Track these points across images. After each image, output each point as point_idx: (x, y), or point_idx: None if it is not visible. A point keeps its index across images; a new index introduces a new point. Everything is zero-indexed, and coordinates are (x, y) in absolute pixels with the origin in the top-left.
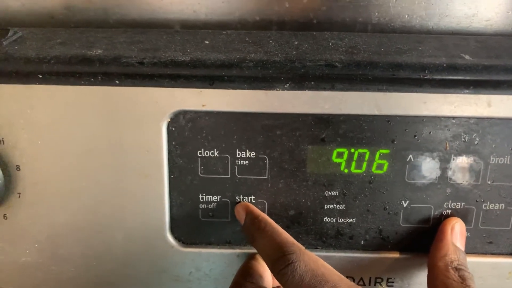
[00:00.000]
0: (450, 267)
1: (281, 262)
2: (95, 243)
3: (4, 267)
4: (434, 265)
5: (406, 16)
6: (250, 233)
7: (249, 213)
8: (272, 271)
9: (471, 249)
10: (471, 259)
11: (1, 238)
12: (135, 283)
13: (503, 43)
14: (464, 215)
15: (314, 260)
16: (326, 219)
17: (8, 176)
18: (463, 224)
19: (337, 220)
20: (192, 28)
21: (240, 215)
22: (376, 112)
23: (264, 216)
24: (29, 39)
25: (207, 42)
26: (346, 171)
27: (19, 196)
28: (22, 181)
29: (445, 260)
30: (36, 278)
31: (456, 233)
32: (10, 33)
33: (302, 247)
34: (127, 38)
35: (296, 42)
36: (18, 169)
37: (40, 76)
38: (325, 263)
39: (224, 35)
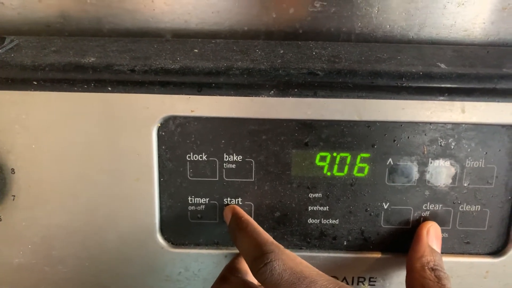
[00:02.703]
0: (426, 267)
1: (259, 261)
2: (88, 244)
3: None
4: (412, 266)
5: (388, 26)
6: (233, 232)
7: (234, 214)
8: (252, 270)
9: (449, 249)
10: (449, 259)
11: None
12: (127, 283)
13: (478, 53)
14: (442, 217)
15: (292, 258)
16: (310, 221)
17: (3, 179)
18: (438, 227)
19: (320, 221)
20: (183, 37)
21: (227, 216)
22: (356, 118)
23: (247, 217)
24: (24, 47)
25: (196, 50)
26: (328, 174)
27: (14, 199)
28: (16, 184)
29: (421, 261)
30: (30, 279)
31: (431, 235)
32: (6, 41)
33: (281, 246)
34: (119, 46)
35: (282, 51)
36: (13, 172)
37: (35, 83)
38: (304, 261)
39: (213, 44)
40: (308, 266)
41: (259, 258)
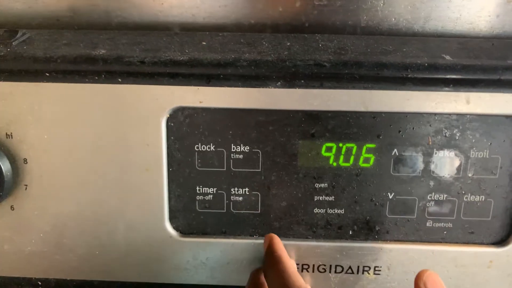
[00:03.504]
0: None
1: None
2: (98, 233)
3: (10, 256)
4: None
5: (393, 19)
6: (264, 265)
7: (270, 246)
8: None
9: (453, 239)
10: (454, 249)
11: (8, 228)
12: (136, 272)
13: (483, 45)
14: (446, 207)
15: None
16: (316, 210)
17: (15, 169)
18: (434, 274)
19: (326, 211)
20: (191, 31)
21: (265, 245)
22: (362, 109)
23: (280, 253)
24: (36, 39)
25: (204, 43)
26: (334, 164)
27: (26, 188)
28: (29, 173)
29: None
30: (41, 266)
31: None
32: (19, 34)
33: None
34: (129, 39)
35: (288, 44)
36: (25, 162)
37: (47, 75)
38: None
39: (220, 37)
40: None
41: None
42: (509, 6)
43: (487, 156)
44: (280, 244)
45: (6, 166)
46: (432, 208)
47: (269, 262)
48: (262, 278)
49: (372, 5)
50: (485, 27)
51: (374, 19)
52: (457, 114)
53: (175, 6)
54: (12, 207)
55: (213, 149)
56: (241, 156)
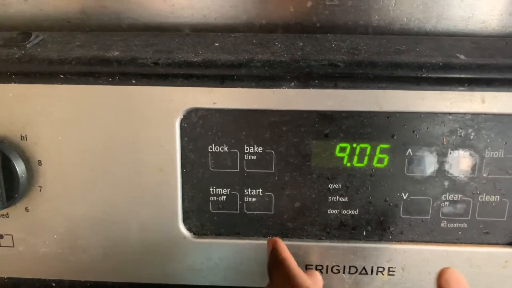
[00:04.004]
0: None
1: None
2: (112, 234)
3: (24, 257)
4: None
5: (405, 19)
6: (269, 269)
7: (274, 249)
8: None
9: (468, 240)
10: (468, 249)
11: (22, 229)
12: (150, 273)
13: (496, 44)
14: (461, 207)
15: None
16: (330, 211)
17: (30, 170)
18: (454, 271)
19: (340, 212)
20: (201, 32)
21: (268, 249)
22: (376, 109)
23: (286, 255)
24: (50, 42)
25: (217, 44)
26: (348, 165)
27: (40, 190)
28: (43, 175)
29: None
30: (54, 267)
31: (451, 285)
32: (32, 37)
33: None
34: (141, 41)
35: (301, 44)
36: (39, 164)
37: (62, 76)
38: None
39: (232, 38)
40: None
41: None
42: None
43: (502, 156)
44: (284, 246)
45: (21, 168)
46: (447, 208)
47: (274, 265)
48: None
49: (384, 5)
50: (498, 26)
51: (386, 19)
52: (472, 114)
53: (185, 7)
54: (26, 209)
55: (227, 150)
56: (254, 157)
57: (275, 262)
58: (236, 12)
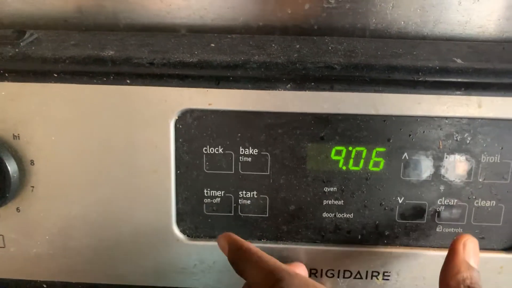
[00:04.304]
0: (462, 285)
1: None
2: (105, 236)
3: (16, 258)
4: (446, 283)
5: (402, 22)
6: (237, 264)
7: (232, 244)
8: None
9: None
10: None
11: (14, 230)
12: (143, 275)
13: (493, 49)
14: (457, 212)
15: (305, 282)
16: (325, 214)
17: (22, 170)
18: (476, 241)
19: (335, 215)
20: (198, 33)
21: (223, 247)
22: (372, 112)
23: (247, 245)
24: (44, 40)
25: (213, 45)
26: (344, 168)
27: (32, 190)
28: (35, 175)
29: (456, 278)
30: (47, 269)
31: (469, 250)
32: (27, 35)
33: (291, 271)
34: (137, 40)
35: (298, 46)
36: (32, 163)
37: (56, 75)
38: (316, 283)
39: (229, 39)
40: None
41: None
42: None
43: (499, 161)
44: (240, 238)
45: (12, 167)
46: (443, 213)
47: (240, 258)
48: None
49: (381, 8)
50: (495, 31)
51: (383, 22)
52: (469, 118)
53: (183, 7)
54: (18, 209)
55: (222, 152)
56: (249, 159)
57: (242, 255)
58: (233, 13)
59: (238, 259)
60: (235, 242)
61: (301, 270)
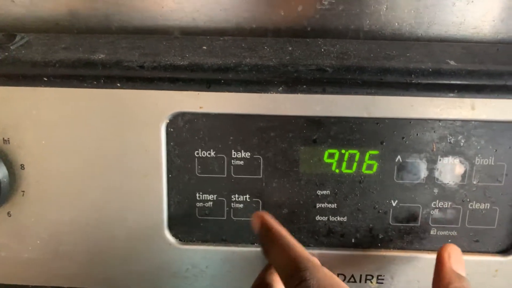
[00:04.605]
0: None
1: (294, 279)
2: (97, 240)
3: (7, 263)
4: None
5: (396, 24)
6: (264, 245)
7: (263, 224)
8: (286, 287)
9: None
10: None
11: (4, 234)
12: (135, 279)
13: (488, 50)
14: (451, 215)
15: (329, 277)
16: (318, 218)
17: (12, 174)
18: (459, 249)
19: (328, 219)
20: (191, 35)
21: (255, 225)
22: (365, 115)
23: (278, 228)
24: (35, 43)
25: (204, 47)
26: (337, 171)
27: (23, 194)
28: (26, 179)
29: None
30: (38, 274)
31: (454, 259)
32: (17, 38)
33: (317, 262)
34: (128, 43)
35: (290, 48)
36: (22, 168)
37: (45, 79)
38: (340, 281)
39: (221, 41)
40: (344, 286)
41: (294, 276)
42: None
43: (493, 163)
44: (272, 219)
45: (3, 172)
46: (437, 216)
47: (269, 240)
48: (269, 279)
49: (375, 10)
50: (490, 32)
51: (377, 24)
52: (462, 120)
53: (175, 10)
54: (9, 214)
55: (214, 155)
56: (242, 163)
57: (270, 237)
58: (226, 15)
59: (266, 240)
60: (267, 223)
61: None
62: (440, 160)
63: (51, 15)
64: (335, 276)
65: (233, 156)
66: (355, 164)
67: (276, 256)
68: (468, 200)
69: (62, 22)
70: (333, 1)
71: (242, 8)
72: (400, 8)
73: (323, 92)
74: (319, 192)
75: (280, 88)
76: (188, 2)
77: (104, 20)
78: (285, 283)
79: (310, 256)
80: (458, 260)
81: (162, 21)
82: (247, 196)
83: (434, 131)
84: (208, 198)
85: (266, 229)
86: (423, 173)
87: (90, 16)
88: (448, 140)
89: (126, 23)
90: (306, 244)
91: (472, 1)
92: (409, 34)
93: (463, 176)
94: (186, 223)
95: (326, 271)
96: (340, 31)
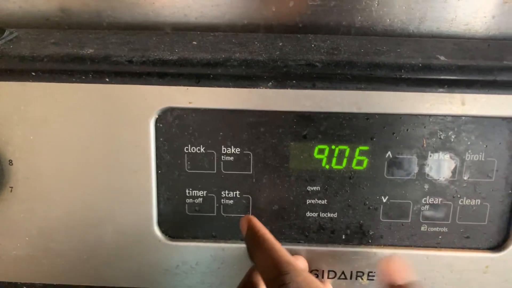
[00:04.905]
0: None
1: (275, 282)
2: (86, 237)
3: None
4: None
5: (388, 20)
6: (249, 247)
7: (250, 227)
8: None
9: (448, 244)
10: (449, 254)
11: None
12: (125, 276)
13: (479, 46)
14: (441, 211)
15: (309, 281)
16: (308, 214)
17: (1, 170)
18: (394, 259)
19: (319, 215)
20: (182, 31)
21: (243, 227)
22: (355, 110)
23: (264, 231)
24: (24, 39)
25: (195, 42)
26: (327, 167)
27: (11, 190)
28: (14, 175)
29: None
30: (27, 271)
31: (396, 271)
32: (6, 33)
33: (299, 267)
34: (118, 39)
35: (280, 44)
36: (10, 163)
37: (34, 74)
38: (320, 284)
39: (212, 37)
40: None
41: (275, 279)
42: (505, 7)
43: (483, 159)
44: (260, 223)
45: None
46: (427, 212)
47: (254, 243)
48: (255, 278)
49: (367, 6)
50: (481, 28)
51: (369, 20)
52: (452, 116)
53: (166, 5)
54: None
55: (203, 151)
56: (231, 158)
57: (256, 240)
58: (218, 11)
59: (252, 244)
60: (253, 226)
61: (301, 262)
62: (430, 156)
63: (42, 11)
64: (316, 280)
65: (223, 152)
66: (345, 160)
67: (260, 259)
68: (458, 196)
69: (53, 18)
70: None
71: (233, 4)
72: (391, 4)
73: (313, 87)
74: (309, 188)
75: (270, 83)
76: None
77: (95, 16)
78: (267, 286)
79: (293, 260)
80: (400, 269)
81: (153, 17)
82: (237, 192)
83: (425, 127)
84: (198, 194)
85: (252, 232)
86: (414, 169)
87: (81, 12)
88: (439, 136)
89: (117, 19)
90: (296, 241)
91: None
92: (401, 30)
93: (454, 172)
94: (176, 219)
95: (306, 275)
96: (331, 27)
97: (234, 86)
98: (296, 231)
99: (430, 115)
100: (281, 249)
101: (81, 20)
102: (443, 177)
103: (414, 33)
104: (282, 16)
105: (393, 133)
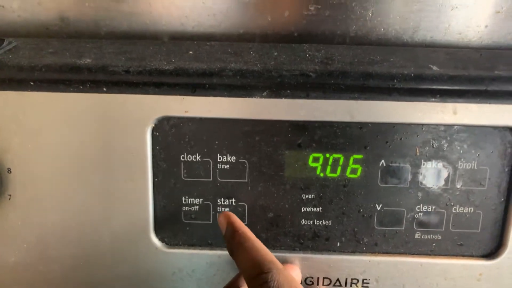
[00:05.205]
0: None
1: (256, 280)
2: (83, 244)
3: None
4: None
5: (382, 29)
6: (230, 245)
7: (230, 225)
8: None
9: (442, 252)
10: (443, 261)
11: None
12: (121, 283)
13: (471, 55)
14: (435, 218)
15: (289, 281)
16: (303, 222)
17: None
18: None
19: (313, 223)
20: (179, 40)
21: (222, 224)
22: (349, 119)
23: (244, 229)
24: (22, 48)
25: (191, 52)
26: (321, 175)
27: (10, 198)
28: (12, 183)
29: None
30: (25, 278)
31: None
32: (4, 43)
33: (279, 266)
34: (115, 48)
35: (275, 53)
36: (9, 171)
37: (32, 83)
38: (300, 285)
39: (208, 46)
40: None
41: (256, 277)
42: (498, 17)
43: (475, 167)
44: (239, 220)
45: None
46: (421, 219)
47: (234, 241)
48: (239, 281)
49: (361, 15)
50: (474, 37)
51: (363, 29)
52: (445, 125)
53: (163, 15)
54: None
55: (199, 159)
56: (227, 167)
57: (236, 238)
58: (214, 20)
59: (232, 241)
60: (233, 223)
61: (295, 272)
62: (423, 164)
63: (41, 20)
64: (296, 280)
65: (218, 160)
66: (339, 168)
67: (240, 257)
68: (452, 204)
69: (52, 27)
70: (319, 6)
71: (229, 14)
72: (385, 14)
73: (307, 97)
74: (304, 196)
75: (265, 93)
76: (177, 8)
77: (93, 26)
78: (248, 284)
79: (274, 258)
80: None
81: (150, 26)
82: (233, 200)
83: (417, 136)
84: (194, 202)
85: (232, 230)
86: (407, 177)
87: (80, 21)
88: (431, 145)
89: (115, 29)
90: (291, 248)
91: (457, 7)
92: (395, 40)
93: (447, 180)
94: (172, 227)
95: (287, 274)
96: (326, 36)
97: (229, 96)
98: (291, 238)
99: (422, 124)
100: (262, 248)
101: (79, 29)
102: (436, 185)
103: (408, 42)
104: (277, 25)
105: (387, 142)
